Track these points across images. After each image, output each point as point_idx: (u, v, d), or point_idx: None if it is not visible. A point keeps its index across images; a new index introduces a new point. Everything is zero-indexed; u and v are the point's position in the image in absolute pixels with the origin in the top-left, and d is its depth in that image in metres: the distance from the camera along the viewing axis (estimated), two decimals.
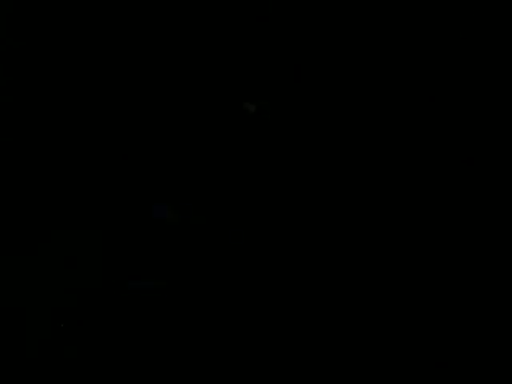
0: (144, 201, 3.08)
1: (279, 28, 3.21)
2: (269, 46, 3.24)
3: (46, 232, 2.94)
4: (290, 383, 2.48)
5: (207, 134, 3.26)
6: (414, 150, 3.14)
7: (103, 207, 3.04)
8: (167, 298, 2.77)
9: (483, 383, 2.42)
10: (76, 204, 3.04)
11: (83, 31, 3.14)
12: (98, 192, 3.08)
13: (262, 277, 2.87)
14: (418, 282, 2.79)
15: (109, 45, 3.16)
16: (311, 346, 2.59)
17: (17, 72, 3.09)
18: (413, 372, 2.46)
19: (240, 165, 3.21)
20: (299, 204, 3.14)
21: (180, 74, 3.23)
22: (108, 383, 2.48)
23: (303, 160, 3.22)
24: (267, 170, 3.22)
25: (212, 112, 3.26)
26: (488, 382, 2.41)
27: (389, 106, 3.17)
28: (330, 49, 3.21)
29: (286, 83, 3.27)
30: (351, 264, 2.88)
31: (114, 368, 2.50)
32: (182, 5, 3.20)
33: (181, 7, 3.20)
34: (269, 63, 3.26)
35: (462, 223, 2.96)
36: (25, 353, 2.55)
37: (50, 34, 3.10)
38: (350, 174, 3.17)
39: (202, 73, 3.22)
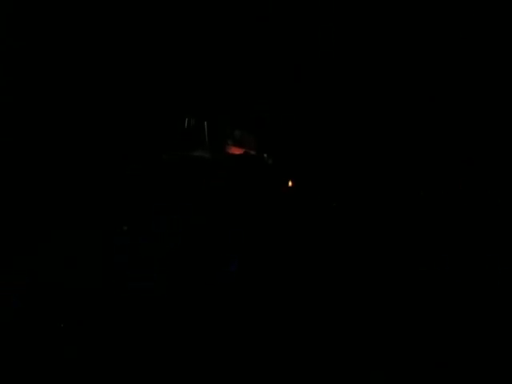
0: (144, 201, 3.08)
1: (279, 28, 3.21)
2: (268, 46, 3.24)
3: (46, 232, 2.94)
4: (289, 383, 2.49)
5: (207, 135, 3.25)
6: (414, 150, 3.14)
7: (103, 207, 3.04)
8: (166, 299, 2.76)
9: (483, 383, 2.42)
10: (76, 204, 3.04)
11: (83, 31, 3.14)
12: (98, 193, 3.08)
13: (262, 278, 2.87)
14: (417, 282, 2.79)
15: (109, 46, 3.16)
16: (310, 346, 2.58)
17: (17, 72, 3.08)
18: (413, 372, 2.46)
19: (239, 165, 3.21)
20: (299, 206, 3.14)
21: (180, 78, 3.23)
22: (108, 383, 2.48)
23: (302, 161, 3.22)
24: (266, 170, 3.22)
25: (211, 113, 3.25)
26: (488, 382, 2.41)
27: (389, 107, 3.17)
28: (330, 50, 3.20)
29: (285, 85, 3.27)
30: (351, 262, 2.88)
31: (114, 368, 2.50)
32: (182, 6, 3.20)
33: (180, 8, 3.20)
34: (268, 64, 3.25)
35: (461, 222, 2.96)
36: (25, 352, 2.54)
37: (49, 34, 3.10)
38: (350, 174, 3.17)
39: (202, 77, 3.22)
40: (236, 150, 3.21)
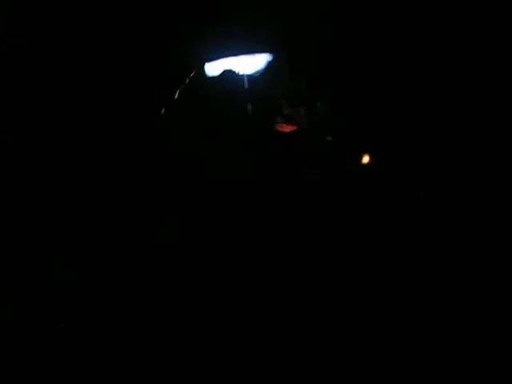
0: (144, 201, 3.08)
1: (280, 28, 3.21)
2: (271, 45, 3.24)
3: (46, 232, 2.94)
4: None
5: (208, 136, 3.26)
6: (414, 150, 3.14)
7: (103, 207, 3.04)
8: (166, 299, 2.77)
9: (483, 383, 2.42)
10: (76, 204, 3.04)
11: (83, 31, 3.14)
12: (98, 192, 3.08)
13: (262, 277, 2.87)
14: (417, 282, 2.79)
15: (109, 45, 3.16)
16: (310, 345, 2.59)
17: (17, 72, 3.08)
18: (413, 372, 2.46)
19: (240, 165, 3.21)
20: (300, 204, 3.14)
21: (178, 76, 3.23)
22: (108, 383, 2.48)
23: (301, 160, 3.22)
24: (266, 170, 3.22)
25: (211, 113, 3.26)
26: (488, 382, 2.42)
27: (388, 107, 3.17)
28: (331, 49, 3.21)
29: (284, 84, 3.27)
30: (351, 262, 2.88)
31: (114, 368, 2.50)
32: (182, 5, 3.20)
33: (181, 7, 3.20)
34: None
35: (461, 222, 2.96)
36: (25, 352, 2.54)
37: (49, 34, 3.10)
38: (350, 173, 3.17)
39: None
40: (287, 128, 3.07)
